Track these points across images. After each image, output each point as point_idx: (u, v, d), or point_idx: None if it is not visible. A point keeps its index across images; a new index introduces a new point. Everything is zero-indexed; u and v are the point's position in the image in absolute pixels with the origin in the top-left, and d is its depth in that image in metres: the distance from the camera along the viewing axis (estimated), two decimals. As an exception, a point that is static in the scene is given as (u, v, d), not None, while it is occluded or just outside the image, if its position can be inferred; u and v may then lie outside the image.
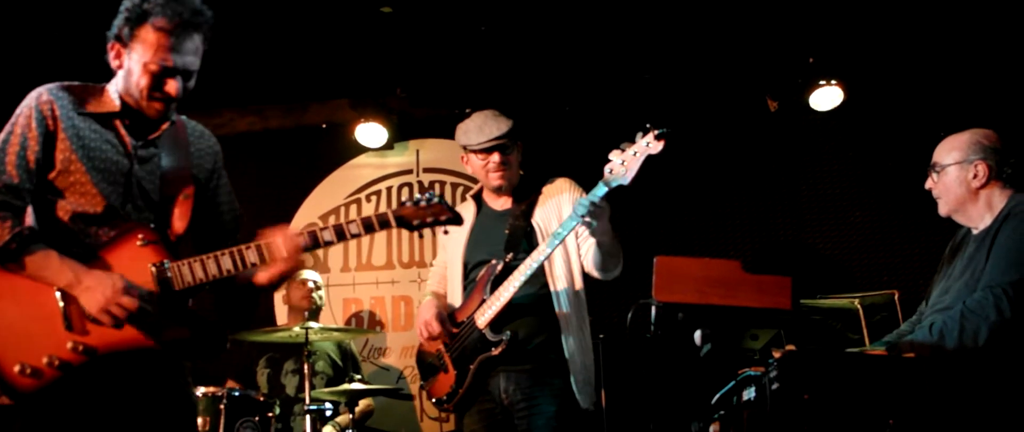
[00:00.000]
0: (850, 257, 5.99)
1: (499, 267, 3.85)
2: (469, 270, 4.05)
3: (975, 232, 3.34)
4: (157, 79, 2.68)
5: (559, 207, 3.96)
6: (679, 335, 3.08)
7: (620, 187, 3.49)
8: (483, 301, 3.82)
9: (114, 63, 2.75)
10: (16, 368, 2.51)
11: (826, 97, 5.91)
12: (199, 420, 4.65)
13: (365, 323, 6.48)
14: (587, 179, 4.03)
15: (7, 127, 2.67)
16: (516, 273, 3.73)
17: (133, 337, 2.59)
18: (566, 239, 3.72)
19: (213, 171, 2.99)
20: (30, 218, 2.67)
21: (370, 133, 6.35)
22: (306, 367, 4.95)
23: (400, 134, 6.50)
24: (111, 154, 2.72)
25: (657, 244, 5.93)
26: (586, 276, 3.98)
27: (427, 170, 6.60)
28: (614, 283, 3.99)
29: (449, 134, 4.24)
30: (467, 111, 4.16)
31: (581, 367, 3.84)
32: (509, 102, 4.35)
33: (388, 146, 6.48)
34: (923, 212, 3.92)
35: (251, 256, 2.71)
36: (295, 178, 6.67)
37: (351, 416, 4.95)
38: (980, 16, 5.53)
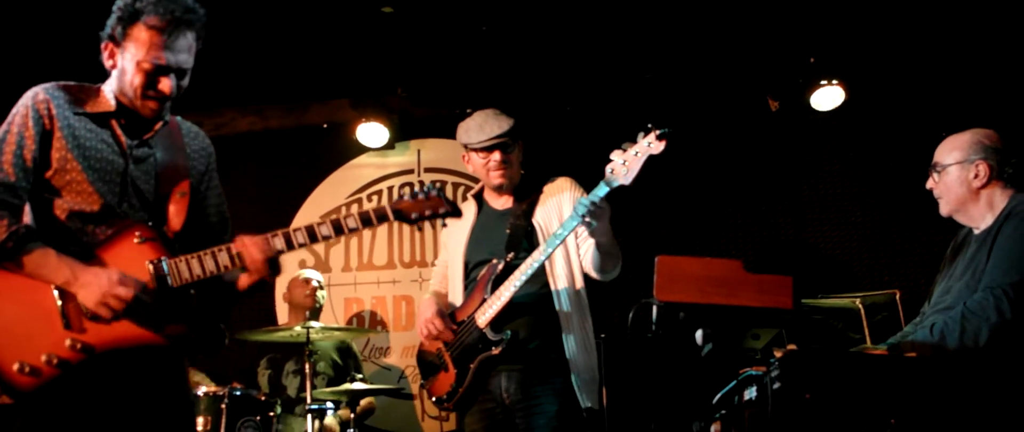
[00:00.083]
0: (851, 257, 5.98)
1: (500, 266, 3.85)
2: (470, 269, 4.05)
3: (976, 232, 3.34)
4: (151, 78, 2.69)
5: (560, 206, 3.96)
6: (680, 335, 3.08)
7: (621, 187, 3.49)
8: (484, 300, 3.82)
9: (108, 63, 2.76)
10: (15, 366, 2.52)
11: (827, 97, 5.91)
12: (200, 420, 4.65)
13: (366, 323, 6.48)
14: (588, 178, 4.04)
15: (3, 126, 2.68)
16: (517, 273, 3.73)
17: (131, 334, 2.60)
18: (566, 239, 3.72)
19: (205, 172, 3.01)
20: (28, 217, 2.67)
21: (371, 133, 6.35)
22: (307, 367, 4.95)
23: (401, 134, 6.49)
24: (107, 153, 2.73)
25: (658, 244, 5.93)
26: (587, 275, 3.98)
27: (428, 170, 6.60)
28: (615, 283, 4.00)
29: (450, 134, 4.25)
30: (468, 111, 4.17)
31: (583, 366, 3.84)
32: (510, 102, 4.36)
33: (389, 146, 6.48)
34: (924, 212, 3.92)
35: (223, 259, 2.72)
36: (296, 178, 6.67)
37: (352, 414, 4.95)
38: (981, 16, 5.52)
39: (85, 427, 2.62)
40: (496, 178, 4.03)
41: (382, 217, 2.82)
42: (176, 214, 2.81)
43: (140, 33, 2.65)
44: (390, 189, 6.60)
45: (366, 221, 2.80)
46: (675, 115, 6.16)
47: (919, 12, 5.51)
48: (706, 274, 2.93)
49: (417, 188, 2.88)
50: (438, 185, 2.91)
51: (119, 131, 2.77)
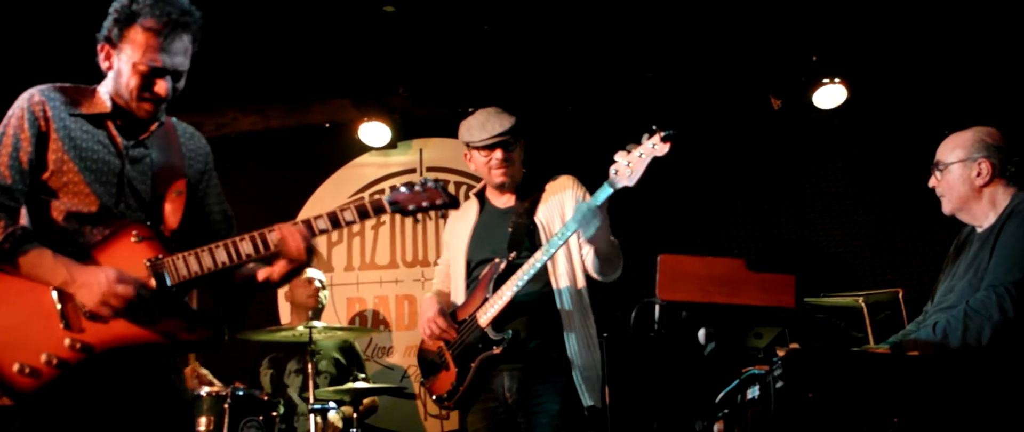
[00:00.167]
0: (854, 255, 5.98)
1: (502, 266, 3.85)
2: (472, 268, 4.05)
3: (979, 231, 3.34)
4: (147, 80, 2.70)
5: (562, 205, 3.96)
6: (683, 334, 3.08)
7: (625, 189, 3.49)
8: (486, 299, 3.82)
9: (104, 65, 2.76)
10: (15, 368, 2.52)
11: (829, 95, 5.90)
12: (203, 420, 4.65)
13: (369, 322, 6.48)
14: (590, 177, 4.03)
15: None
16: (519, 273, 3.73)
17: (130, 333, 2.61)
18: (569, 238, 3.72)
19: (203, 172, 3.01)
20: (24, 219, 2.67)
21: (373, 132, 6.34)
22: (310, 366, 4.95)
23: (403, 133, 6.49)
24: (103, 154, 2.73)
25: (660, 243, 5.93)
26: (589, 274, 3.98)
27: (430, 169, 6.60)
28: (618, 282, 4.00)
29: (452, 133, 4.24)
30: (470, 110, 4.17)
31: (585, 365, 3.84)
32: (512, 101, 4.35)
33: (391, 145, 6.48)
34: (927, 210, 3.92)
35: (246, 248, 2.72)
36: (298, 178, 6.67)
37: (354, 413, 4.95)
38: (983, 14, 5.51)
39: (84, 427, 2.63)
40: (498, 176, 4.03)
41: (379, 209, 2.84)
42: (172, 213, 2.81)
43: (136, 35, 2.66)
44: (392, 189, 6.59)
45: (363, 214, 2.82)
46: (677, 114, 6.16)
47: (921, 10, 5.51)
48: (708, 273, 2.93)
49: (414, 182, 2.89)
50: (435, 178, 2.91)
51: (115, 132, 2.77)
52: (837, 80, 5.83)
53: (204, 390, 4.74)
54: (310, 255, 2.78)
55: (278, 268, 2.83)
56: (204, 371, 5.29)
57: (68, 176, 2.67)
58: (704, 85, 6.16)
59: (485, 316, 3.80)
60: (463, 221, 4.19)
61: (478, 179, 4.33)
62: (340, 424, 5.18)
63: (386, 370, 6.35)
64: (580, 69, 6.14)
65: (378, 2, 5.37)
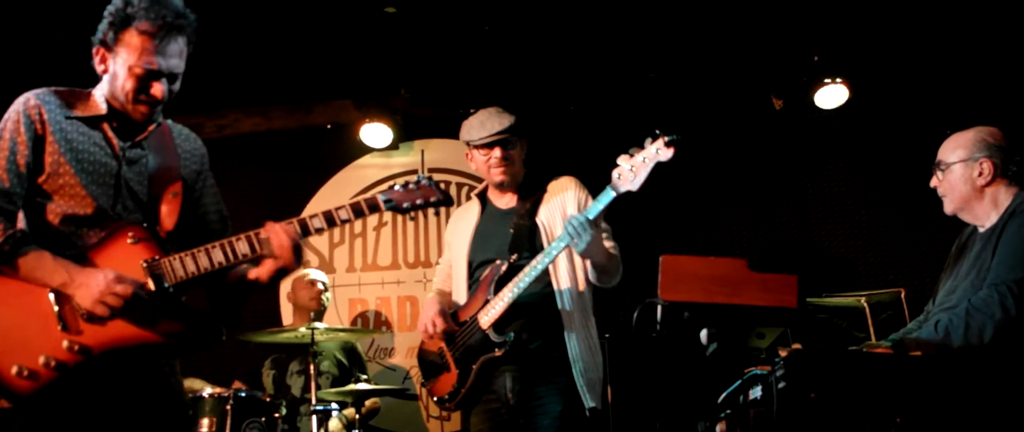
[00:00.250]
0: (856, 255, 5.98)
1: (503, 268, 3.85)
2: (473, 269, 4.05)
3: (981, 230, 3.34)
4: (142, 82, 2.70)
5: (563, 206, 3.96)
6: (685, 334, 3.08)
7: (628, 193, 3.48)
8: (487, 301, 3.81)
9: (99, 68, 2.77)
10: (13, 370, 2.52)
11: (831, 95, 5.90)
12: (205, 421, 4.66)
13: (371, 323, 6.48)
14: (591, 178, 4.03)
15: None
16: (519, 276, 3.73)
17: (128, 333, 2.61)
18: (561, 251, 3.72)
19: (199, 173, 3.01)
20: (21, 222, 2.68)
21: (375, 133, 6.35)
22: (312, 368, 4.95)
23: (405, 134, 6.49)
24: (99, 156, 2.74)
25: (662, 243, 5.93)
26: (591, 275, 3.98)
27: (432, 170, 6.60)
28: (620, 282, 3.99)
29: (454, 134, 4.25)
30: (471, 110, 4.17)
31: (587, 366, 3.83)
32: (513, 101, 4.35)
33: (393, 146, 6.48)
34: (929, 210, 3.92)
35: (242, 248, 2.72)
36: (300, 179, 6.67)
37: (357, 415, 4.95)
38: (985, 14, 5.51)
39: (83, 429, 2.63)
40: (497, 175, 4.03)
41: (373, 207, 2.84)
42: (168, 214, 2.82)
43: (132, 38, 2.67)
44: (387, 187, 6.58)
45: (358, 212, 2.82)
46: (679, 114, 6.16)
47: (923, 10, 5.50)
48: (710, 273, 2.93)
49: (409, 180, 2.90)
50: (429, 177, 2.92)
51: (111, 134, 2.78)
52: (839, 80, 5.82)
53: (206, 391, 4.75)
54: (297, 255, 2.76)
55: (265, 268, 2.81)
56: (197, 385, 5.29)
57: (64, 178, 2.67)
58: (706, 85, 6.16)
59: (486, 318, 3.79)
60: (465, 221, 4.19)
61: (480, 180, 4.33)
62: (342, 427, 5.18)
63: (388, 371, 6.35)
64: (582, 69, 6.14)
65: (379, 3, 5.38)
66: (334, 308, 6.39)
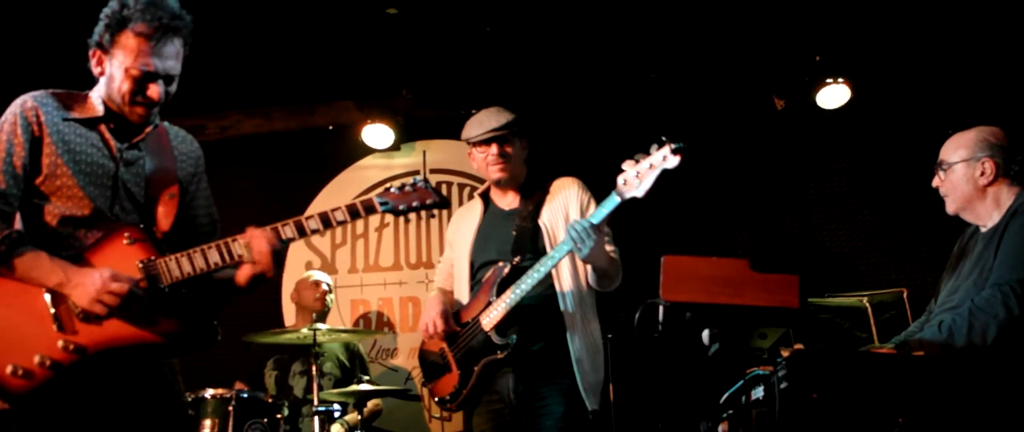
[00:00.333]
0: (858, 255, 5.98)
1: (506, 270, 3.85)
2: (476, 269, 4.05)
3: (983, 230, 3.33)
4: (139, 84, 2.71)
5: (566, 208, 3.96)
6: (687, 334, 3.07)
7: (633, 199, 3.48)
8: (489, 303, 3.81)
9: (96, 70, 2.78)
10: (8, 369, 2.53)
11: (833, 95, 5.90)
12: (207, 422, 4.65)
13: (373, 324, 6.48)
14: (593, 178, 4.04)
15: None
16: (522, 279, 3.73)
17: (124, 333, 2.62)
18: (565, 255, 3.72)
19: (194, 175, 3.01)
20: (18, 224, 2.69)
21: (376, 134, 6.35)
22: (314, 368, 4.95)
23: (407, 135, 6.50)
24: (97, 158, 2.75)
25: (664, 243, 5.93)
26: (593, 276, 3.98)
27: (434, 171, 6.60)
28: (622, 283, 3.99)
29: (456, 135, 4.25)
30: (473, 111, 4.17)
31: (588, 368, 3.83)
32: (515, 102, 4.35)
33: (395, 147, 6.48)
34: (931, 210, 3.91)
35: (237, 249, 2.73)
36: (302, 180, 6.68)
37: (359, 416, 4.96)
38: (987, 14, 5.51)
39: (83, 429, 2.64)
40: (495, 172, 4.03)
41: (369, 209, 2.85)
42: (165, 215, 2.83)
43: (128, 40, 2.68)
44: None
45: (354, 213, 2.82)
46: (680, 115, 6.16)
47: (924, 10, 5.50)
48: (712, 274, 2.93)
49: (406, 182, 2.90)
50: (425, 179, 2.93)
51: (108, 135, 2.79)
52: (840, 80, 5.82)
53: (209, 392, 4.75)
54: (276, 262, 2.74)
55: (243, 273, 2.79)
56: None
57: (62, 180, 2.68)
58: (707, 86, 6.16)
59: (488, 320, 3.79)
60: (467, 221, 4.19)
61: (482, 181, 4.33)
62: (344, 429, 5.18)
63: (390, 372, 6.35)
64: (583, 70, 6.14)
65: (381, 4, 5.38)
66: (336, 309, 6.39)
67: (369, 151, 6.56)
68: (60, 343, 2.57)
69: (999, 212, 3.28)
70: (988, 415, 2.71)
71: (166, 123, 2.99)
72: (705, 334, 3.09)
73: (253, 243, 2.71)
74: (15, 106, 2.71)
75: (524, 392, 3.83)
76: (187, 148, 3.01)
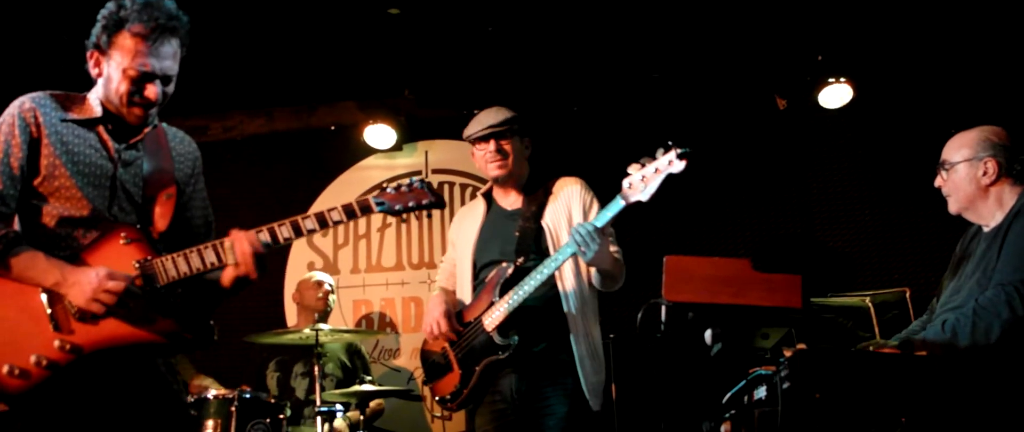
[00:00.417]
0: (860, 255, 5.97)
1: (509, 271, 3.85)
2: (479, 270, 4.05)
3: (986, 230, 3.33)
4: (137, 85, 2.72)
5: (569, 209, 3.96)
6: (689, 334, 3.07)
7: (638, 203, 3.48)
8: (492, 303, 3.81)
9: (94, 71, 2.79)
10: (4, 369, 2.54)
11: (835, 95, 5.90)
12: (210, 423, 4.66)
13: (375, 324, 6.48)
14: (595, 178, 4.04)
15: None
16: (525, 280, 3.73)
17: (120, 333, 2.62)
18: (568, 258, 3.72)
19: (191, 176, 3.02)
20: (16, 225, 2.70)
21: (378, 135, 6.35)
22: (316, 369, 4.95)
23: (409, 135, 6.49)
24: (95, 158, 2.75)
25: (666, 243, 5.92)
26: (595, 277, 3.98)
27: (436, 171, 6.60)
28: (624, 283, 3.99)
29: (458, 135, 4.25)
30: (475, 112, 4.17)
31: (591, 369, 3.83)
32: (517, 102, 4.36)
33: (397, 148, 6.48)
34: (933, 209, 3.92)
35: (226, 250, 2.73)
36: (304, 181, 6.68)
37: (361, 416, 4.96)
38: (989, 13, 5.50)
39: (81, 429, 2.64)
40: (494, 169, 4.03)
41: (365, 209, 2.85)
42: (161, 216, 2.83)
43: (125, 41, 2.68)
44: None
45: (350, 214, 2.82)
46: (682, 115, 6.16)
47: (926, 9, 5.50)
48: (715, 274, 2.93)
49: (402, 182, 2.90)
50: (434, 186, 2.93)
51: (106, 136, 2.80)
52: (843, 79, 5.82)
53: (211, 393, 4.75)
54: (259, 265, 2.73)
55: (226, 275, 2.77)
56: (206, 382, 5.30)
57: (60, 181, 2.69)
58: (709, 85, 6.16)
59: (491, 320, 3.79)
60: (470, 221, 4.19)
61: (484, 181, 4.33)
62: (346, 429, 5.18)
63: (392, 372, 6.35)
64: (585, 70, 6.13)
65: (383, 4, 5.38)
66: (338, 309, 6.39)
67: (371, 151, 6.55)
68: (56, 343, 2.58)
69: (1002, 212, 3.27)
70: (991, 415, 2.71)
71: (164, 124, 2.99)
72: (707, 334, 3.10)
73: (236, 245, 2.71)
74: (13, 107, 2.72)
75: (527, 392, 3.83)
76: (185, 149, 3.02)
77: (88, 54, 2.77)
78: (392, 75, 6.19)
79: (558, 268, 3.75)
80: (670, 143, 3.40)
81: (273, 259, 6.41)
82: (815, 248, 6.03)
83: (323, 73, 6.17)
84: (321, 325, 5.01)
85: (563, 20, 5.62)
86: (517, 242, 3.95)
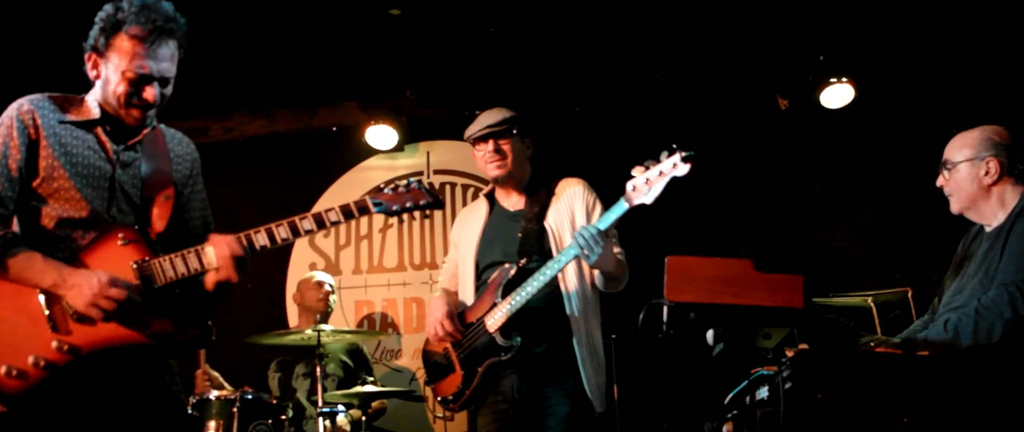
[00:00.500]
0: (862, 255, 5.97)
1: (512, 272, 3.84)
2: (481, 270, 4.05)
3: (988, 230, 3.33)
4: (135, 86, 2.73)
5: (572, 210, 3.96)
6: (691, 335, 3.07)
7: (641, 206, 3.48)
8: (494, 304, 3.81)
9: (92, 73, 2.79)
10: (2, 370, 2.55)
11: (837, 95, 5.90)
12: (212, 424, 4.66)
13: (377, 325, 6.48)
14: (597, 179, 4.03)
15: None
16: (528, 282, 3.72)
17: (118, 334, 2.63)
18: (571, 260, 3.72)
19: (189, 177, 3.02)
20: (15, 226, 2.70)
21: (380, 135, 6.35)
22: (318, 370, 4.95)
23: (410, 136, 6.50)
24: (94, 160, 2.76)
25: (668, 244, 5.92)
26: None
27: (438, 171, 6.61)
28: (626, 283, 3.99)
29: (459, 136, 4.25)
30: (477, 112, 4.17)
31: (593, 370, 3.83)
32: (519, 102, 4.36)
33: (398, 148, 6.48)
34: (935, 209, 3.91)
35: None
36: (305, 181, 6.68)
37: (363, 416, 4.96)
38: (990, 13, 5.50)
39: (79, 430, 2.64)
40: (493, 169, 4.03)
41: (363, 210, 2.87)
42: (159, 217, 2.84)
43: (123, 43, 2.69)
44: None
45: (347, 214, 2.84)
46: (684, 115, 6.16)
47: (928, 9, 5.49)
48: (716, 274, 2.92)
49: (400, 183, 2.91)
50: (434, 188, 2.93)
51: (104, 138, 2.80)
52: (844, 79, 5.82)
53: (213, 394, 4.76)
54: (239, 268, 2.73)
55: (209, 279, 2.77)
56: (215, 374, 5.30)
57: (58, 182, 2.69)
58: (711, 85, 6.16)
59: (493, 321, 3.79)
60: (472, 221, 4.19)
61: (486, 182, 4.33)
62: (348, 428, 5.18)
63: (394, 373, 6.35)
64: (587, 70, 6.13)
65: (384, 5, 5.38)
66: (340, 310, 6.39)
67: (373, 152, 6.56)
68: (54, 344, 2.58)
69: (1004, 211, 3.27)
70: (993, 415, 2.70)
71: (163, 125, 3.00)
72: (709, 334, 3.09)
73: (215, 249, 2.71)
74: (11, 109, 2.73)
75: (529, 392, 3.83)
76: (183, 150, 3.02)
77: (86, 56, 2.78)
78: (394, 76, 6.20)
79: (561, 270, 3.75)
80: (675, 146, 3.40)
81: (274, 260, 6.47)
82: (817, 248, 6.03)
83: (324, 74, 6.17)
84: (323, 326, 5.01)
85: (564, 20, 5.62)
86: (520, 243, 3.95)
